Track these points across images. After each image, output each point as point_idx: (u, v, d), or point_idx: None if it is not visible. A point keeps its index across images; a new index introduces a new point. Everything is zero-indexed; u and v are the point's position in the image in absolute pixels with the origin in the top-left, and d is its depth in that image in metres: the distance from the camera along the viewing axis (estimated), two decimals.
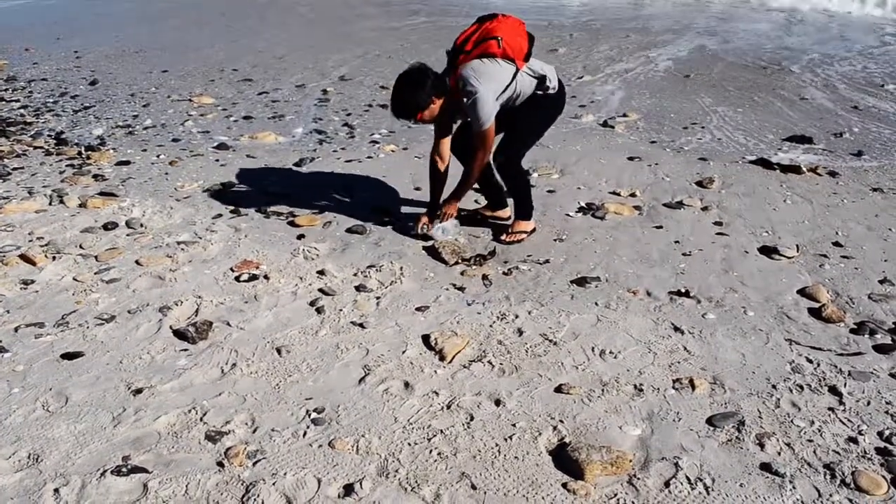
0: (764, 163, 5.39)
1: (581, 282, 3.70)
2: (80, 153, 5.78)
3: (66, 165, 5.49)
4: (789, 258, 3.93)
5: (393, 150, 5.80)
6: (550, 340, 3.17)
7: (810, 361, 3.00)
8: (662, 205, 4.67)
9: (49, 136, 6.30)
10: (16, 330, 3.26)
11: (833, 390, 2.81)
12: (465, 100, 3.77)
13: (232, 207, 4.66)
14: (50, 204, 4.71)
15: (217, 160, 5.64)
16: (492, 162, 4.08)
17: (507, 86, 3.80)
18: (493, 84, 3.77)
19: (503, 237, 4.19)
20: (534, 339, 3.18)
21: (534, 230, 4.26)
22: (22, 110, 7.11)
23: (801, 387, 2.83)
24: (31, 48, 10.22)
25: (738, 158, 5.54)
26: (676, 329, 3.26)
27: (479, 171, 4.01)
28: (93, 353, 3.09)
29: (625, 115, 6.65)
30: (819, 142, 5.86)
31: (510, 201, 4.37)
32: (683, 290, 3.60)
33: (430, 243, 4.10)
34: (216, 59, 9.24)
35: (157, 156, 5.74)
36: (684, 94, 7.35)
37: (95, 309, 3.45)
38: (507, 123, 3.98)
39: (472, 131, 3.88)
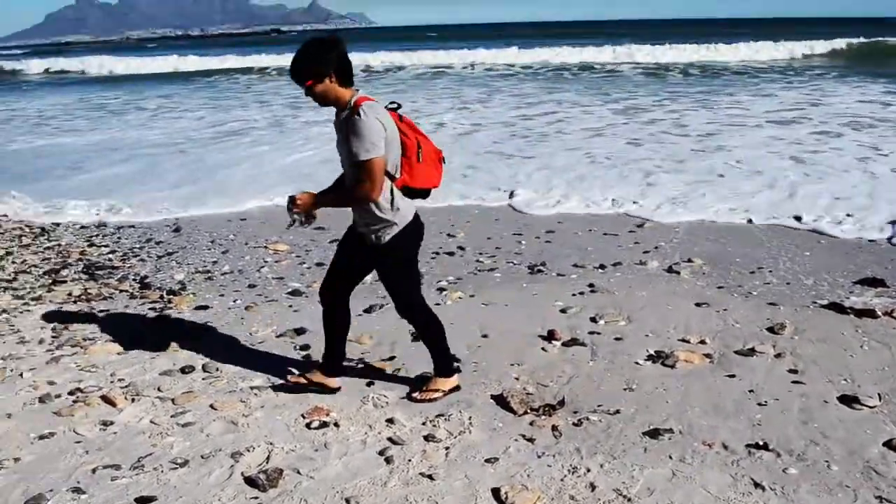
0: (836, 307, 5.29)
1: (654, 433, 3.61)
2: (161, 297, 6.08)
3: (149, 308, 5.77)
4: (871, 408, 3.79)
5: (460, 297, 5.90)
6: (624, 496, 3.07)
7: None
8: (734, 352, 4.59)
9: (134, 279, 6.66)
10: (93, 471, 3.35)
11: None
12: (349, 120, 3.49)
13: (304, 353, 4.78)
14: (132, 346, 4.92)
15: (290, 306, 5.83)
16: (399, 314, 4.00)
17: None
18: (381, 133, 3.47)
19: (415, 395, 4.04)
20: (607, 494, 3.10)
21: (457, 388, 4.10)
22: (110, 255, 7.56)
23: None
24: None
25: (808, 303, 5.46)
26: (757, 485, 3.13)
27: (356, 202, 3.72)
28: (166, 497, 3.14)
29: (689, 261, 6.66)
30: (892, 284, 5.75)
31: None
32: (761, 443, 3.48)
33: (498, 391, 4.09)
34: None
35: (234, 301, 5.99)
36: (747, 239, 7.36)
37: (170, 452, 3.53)
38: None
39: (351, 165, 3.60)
